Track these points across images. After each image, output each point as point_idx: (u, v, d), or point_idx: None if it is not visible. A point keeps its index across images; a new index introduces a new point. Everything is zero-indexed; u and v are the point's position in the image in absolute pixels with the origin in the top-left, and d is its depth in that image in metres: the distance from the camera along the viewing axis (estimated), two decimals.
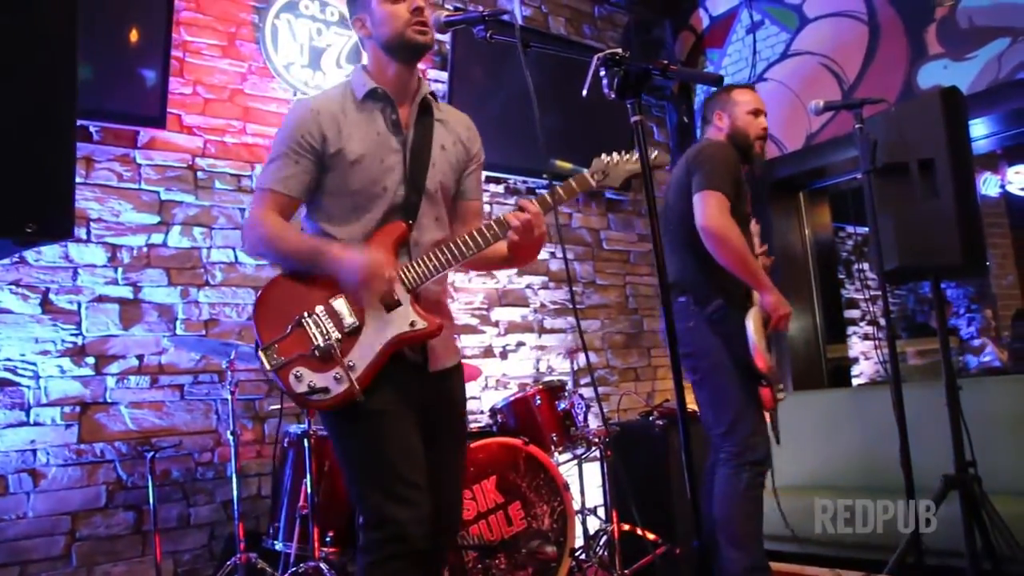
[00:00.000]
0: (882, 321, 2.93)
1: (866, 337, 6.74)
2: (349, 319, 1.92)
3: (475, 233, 2.01)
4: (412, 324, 1.95)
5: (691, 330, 2.96)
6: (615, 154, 2.22)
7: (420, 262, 1.98)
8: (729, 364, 2.94)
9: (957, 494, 2.84)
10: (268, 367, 1.86)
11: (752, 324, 2.93)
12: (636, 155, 2.22)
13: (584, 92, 1.64)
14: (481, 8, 4.69)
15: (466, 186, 2.21)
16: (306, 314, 1.91)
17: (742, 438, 2.92)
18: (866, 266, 6.91)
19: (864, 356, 6.65)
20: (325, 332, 1.89)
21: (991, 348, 6.46)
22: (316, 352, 1.86)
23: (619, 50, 1.62)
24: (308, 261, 1.95)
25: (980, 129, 4.28)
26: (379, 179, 1.99)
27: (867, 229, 6.42)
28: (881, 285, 2.89)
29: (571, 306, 4.86)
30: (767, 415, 3.05)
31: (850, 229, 6.85)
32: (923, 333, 7.11)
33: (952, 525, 2.84)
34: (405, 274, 1.96)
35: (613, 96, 1.63)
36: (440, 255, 1.99)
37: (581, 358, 4.53)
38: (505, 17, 1.87)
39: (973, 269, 3.04)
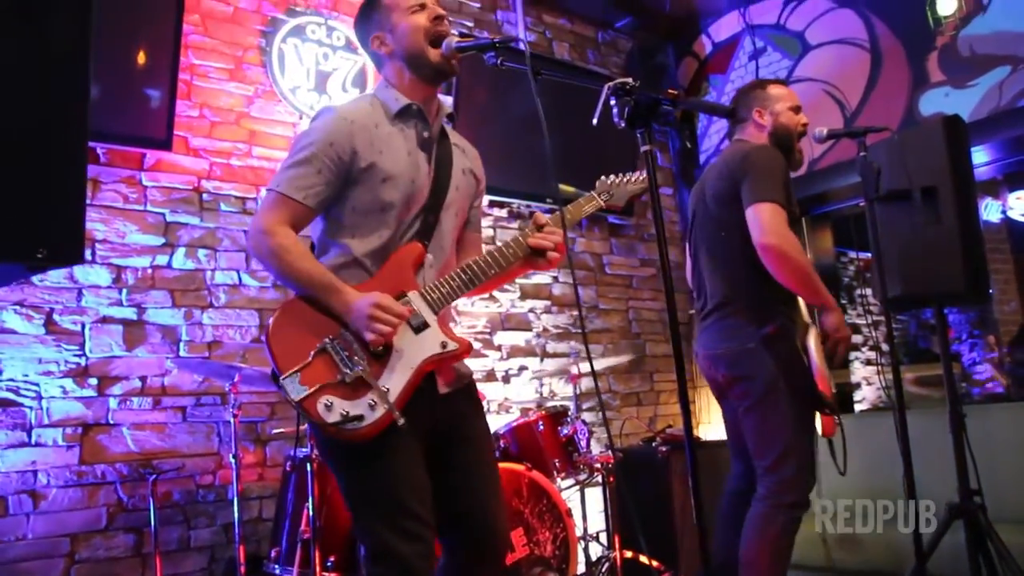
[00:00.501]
0: (885, 347, 2.91)
1: (868, 363, 6.72)
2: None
3: (496, 253, 1.98)
4: (444, 345, 1.89)
5: (747, 352, 2.72)
6: (617, 175, 2.24)
7: (444, 283, 1.94)
8: (786, 390, 2.68)
9: (962, 523, 2.83)
10: (293, 398, 1.75)
11: (814, 345, 2.71)
12: (638, 175, 2.27)
13: (595, 121, 1.65)
14: (487, 33, 4.73)
15: (472, 217, 2.20)
16: (329, 339, 1.81)
17: (785, 476, 2.69)
18: (868, 291, 6.91)
19: (867, 381, 6.63)
20: (353, 358, 1.80)
21: (993, 374, 6.46)
22: (346, 379, 1.77)
23: (629, 79, 1.63)
24: (318, 294, 1.85)
25: (981, 156, 4.30)
26: (408, 197, 1.94)
27: (869, 254, 6.44)
28: (884, 312, 2.88)
29: (573, 330, 4.86)
30: (829, 443, 2.83)
31: (852, 254, 6.86)
32: (925, 359, 7.10)
33: (957, 554, 2.83)
34: (430, 294, 1.92)
35: (623, 125, 1.63)
36: (463, 275, 1.95)
37: (583, 383, 4.52)
38: (515, 44, 1.85)
39: (976, 297, 3.04)
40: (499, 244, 2.02)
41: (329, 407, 1.74)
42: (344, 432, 1.75)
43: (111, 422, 3.22)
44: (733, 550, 2.76)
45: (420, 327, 1.88)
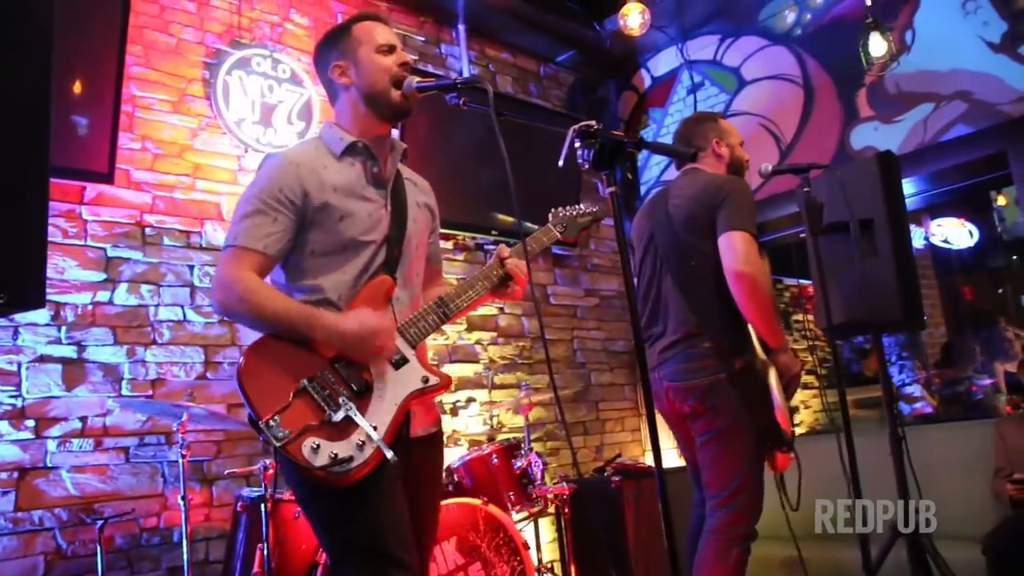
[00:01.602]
0: (821, 371, 2.99)
1: (805, 386, 6.89)
2: (357, 381, 1.81)
3: (466, 286, 2.00)
4: (425, 380, 1.88)
5: (717, 383, 2.72)
6: (567, 208, 2.30)
7: (420, 318, 1.94)
8: (748, 427, 2.71)
9: (904, 541, 2.92)
10: (275, 443, 1.67)
11: (774, 382, 2.72)
12: (586, 208, 2.34)
13: (561, 163, 1.68)
14: (431, 66, 4.77)
15: (432, 250, 2.21)
16: (307, 380, 1.76)
17: (738, 509, 2.71)
18: (805, 317, 7.11)
19: (804, 405, 6.80)
20: (338, 398, 1.76)
21: (923, 395, 6.69)
22: (332, 419, 1.72)
23: (593, 122, 1.67)
24: (297, 327, 1.80)
25: (908, 188, 4.49)
26: (367, 232, 1.93)
27: (803, 281, 6.60)
28: (830, 340, 2.98)
29: (520, 361, 4.88)
30: (780, 477, 2.86)
31: (789, 281, 7.05)
32: (857, 382, 7.30)
33: (900, 573, 2.91)
34: (407, 330, 1.91)
35: (587, 167, 1.67)
36: (437, 309, 1.96)
37: (532, 414, 4.52)
38: (479, 84, 1.86)
39: (913, 324, 3.17)
40: (468, 277, 2.05)
41: (316, 450, 1.68)
42: (333, 475, 1.69)
43: (49, 465, 3.10)
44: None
45: (400, 362, 1.87)
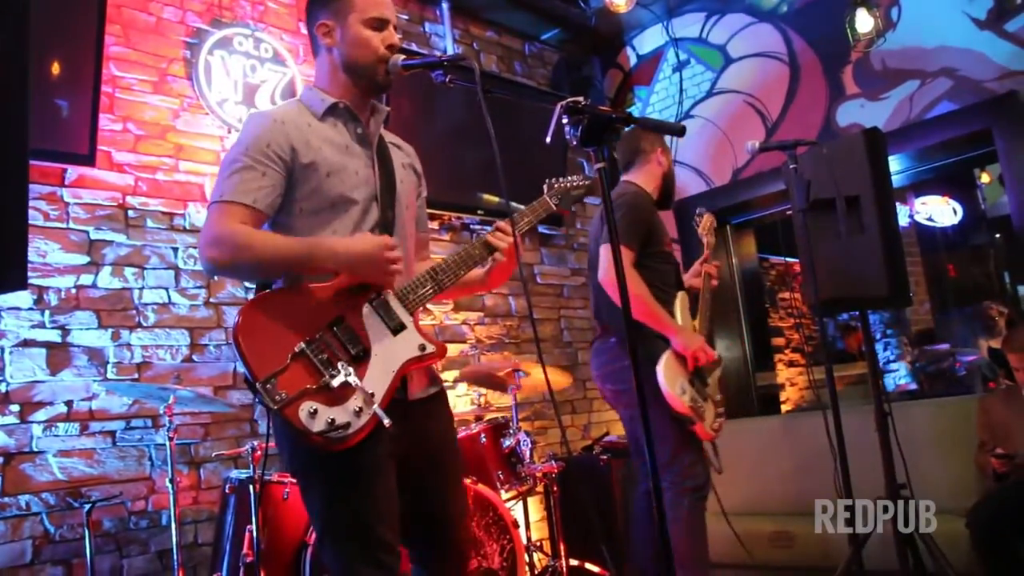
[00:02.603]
0: (807, 349, 3.03)
1: (790, 364, 6.94)
2: (355, 345, 1.78)
3: (463, 254, 2.00)
4: (422, 348, 1.85)
5: (623, 369, 3.02)
6: (560, 179, 2.32)
7: (419, 285, 1.92)
8: (660, 404, 2.96)
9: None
10: (272, 405, 1.64)
11: (662, 372, 2.96)
12: (581, 180, 2.35)
13: (548, 139, 1.67)
14: (415, 45, 4.72)
15: (420, 214, 2.19)
16: (304, 342, 1.72)
17: (681, 468, 3.01)
18: (789, 295, 7.15)
19: (789, 383, 6.84)
20: (334, 361, 1.73)
21: (907, 371, 6.76)
22: (331, 384, 1.69)
23: (580, 98, 1.65)
24: (301, 259, 1.78)
25: (893, 165, 4.49)
26: (354, 188, 1.90)
27: (789, 259, 6.62)
28: (819, 316, 3.00)
29: (507, 341, 4.88)
30: (706, 446, 3.16)
31: (774, 259, 7.08)
32: (841, 359, 7.36)
33: (886, 546, 2.95)
34: (406, 297, 1.88)
35: (575, 144, 1.66)
36: (434, 276, 1.94)
37: (519, 393, 4.52)
38: (464, 62, 1.84)
39: (899, 300, 3.18)
40: (468, 245, 2.05)
41: (314, 414, 1.66)
42: (331, 441, 1.67)
43: (35, 450, 3.07)
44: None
45: (398, 328, 1.84)
